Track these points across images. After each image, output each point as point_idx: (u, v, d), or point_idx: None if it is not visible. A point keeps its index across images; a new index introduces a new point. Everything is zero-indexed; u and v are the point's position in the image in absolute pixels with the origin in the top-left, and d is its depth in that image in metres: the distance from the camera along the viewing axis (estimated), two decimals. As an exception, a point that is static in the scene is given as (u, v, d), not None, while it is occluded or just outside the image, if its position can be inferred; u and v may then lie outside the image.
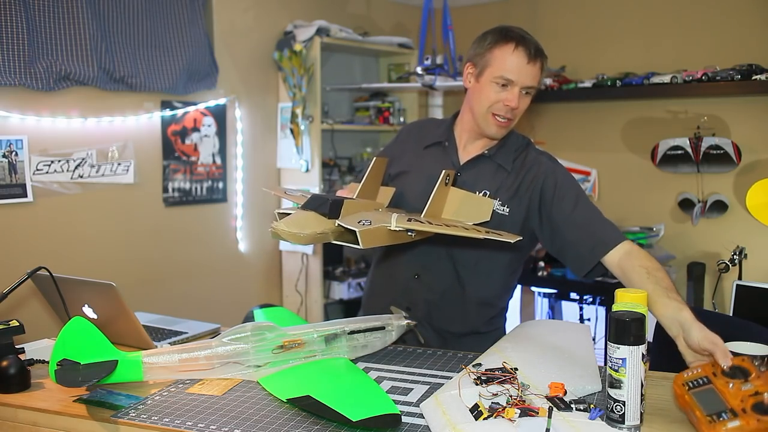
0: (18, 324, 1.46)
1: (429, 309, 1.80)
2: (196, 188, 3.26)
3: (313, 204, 1.46)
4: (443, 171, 1.59)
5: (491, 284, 1.80)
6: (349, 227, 1.40)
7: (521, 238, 1.47)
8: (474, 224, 1.56)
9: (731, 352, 1.23)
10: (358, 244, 1.39)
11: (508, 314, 1.93)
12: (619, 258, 1.59)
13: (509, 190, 1.73)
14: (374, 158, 1.69)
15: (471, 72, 1.71)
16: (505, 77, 1.63)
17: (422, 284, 1.80)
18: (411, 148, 1.87)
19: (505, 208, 1.72)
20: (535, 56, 1.63)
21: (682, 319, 1.34)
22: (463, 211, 1.62)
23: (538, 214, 1.72)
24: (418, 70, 3.46)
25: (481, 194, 1.73)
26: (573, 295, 3.45)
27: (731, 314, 2.58)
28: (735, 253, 2.86)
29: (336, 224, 1.42)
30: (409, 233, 1.47)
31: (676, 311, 1.36)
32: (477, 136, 1.77)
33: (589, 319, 3.50)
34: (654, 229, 3.54)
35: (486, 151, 1.77)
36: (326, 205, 1.44)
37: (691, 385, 1.22)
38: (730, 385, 1.16)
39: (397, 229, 1.44)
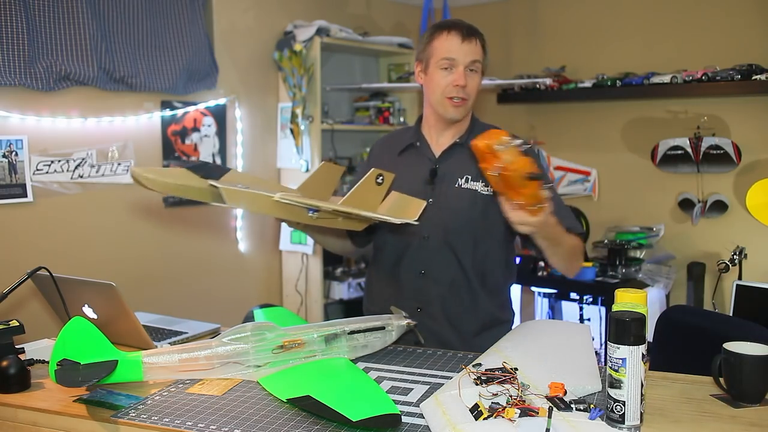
0: (18, 324, 1.46)
1: (442, 303, 1.82)
2: (196, 188, 3.26)
3: (191, 163, 1.55)
4: (372, 169, 1.63)
5: (492, 265, 1.84)
6: (214, 184, 1.47)
7: (411, 221, 1.55)
8: (401, 221, 1.57)
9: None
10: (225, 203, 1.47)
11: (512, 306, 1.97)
12: None
13: None
14: (322, 162, 1.75)
15: (420, 69, 1.84)
16: (445, 57, 1.75)
17: (429, 280, 1.82)
18: (386, 159, 1.92)
19: (488, 188, 1.78)
20: (468, 35, 1.75)
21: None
22: (392, 210, 1.66)
23: None
24: (418, 70, 3.46)
25: (463, 180, 1.80)
26: (573, 295, 3.45)
27: (731, 314, 2.58)
28: (735, 253, 2.86)
29: (208, 184, 1.49)
30: (310, 213, 1.57)
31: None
32: (444, 127, 1.85)
33: (589, 319, 3.50)
34: (654, 229, 3.54)
35: (458, 139, 1.85)
36: (203, 166, 1.52)
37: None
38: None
39: (284, 201, 1.51)
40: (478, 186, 1.79)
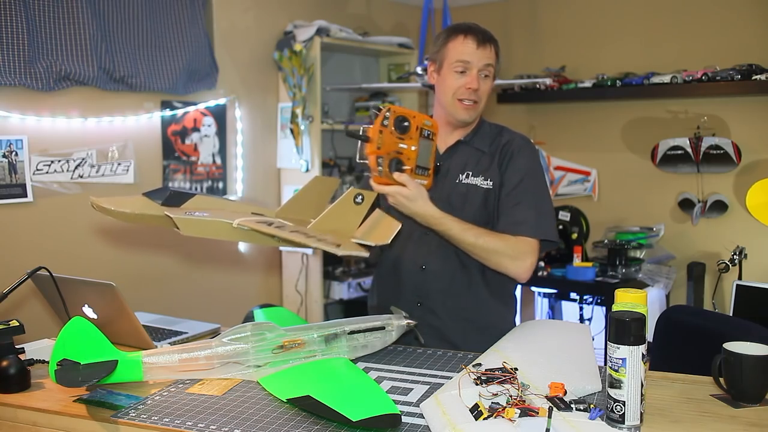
0: (18, 324, 1.46)
1: (442, 298, 1.83)
2: (196, 188, 3.26)
3: (154, 192, 1.54)
4: (350, 188, 1.61)
5: None
6: (170, 215, 1.47)
7: (377, 244, 1.55)
8: (372, 244, 1.55)
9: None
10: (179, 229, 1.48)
11: (516, 308, 1.98)
12: None
13: (490, 166, 1.84)
14: (314, 177, 1.78)
15: (433, 69, 1.86)
16: (460, 60, 1.77)
17: (429, 275, 1.84)
18: None
19: (488, 182, 1.82)
20: (484, 41, 1.78)
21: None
22: (369, 231, 1.61)
23: (500, 182, 1.83)
24: (418, 70, 3.46)
25: (464, 175, 1.83)
26: (573, 295, 3.45)
27: (731, 314, 2.58)
28: (735, 253, 2.86)
29: (164, 213, 1.49)
30: (275, 238, 1.56)
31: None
32: (452, 127, 1.87)
33: (589, 319, 3.50)
34: (654, 229, 3.54)
35: (462, 138, 1.87)
36: (163, 192, 1.53)
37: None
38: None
39: (244, 228, 1.51)
40: (478, 180, 1.82)
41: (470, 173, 1.83)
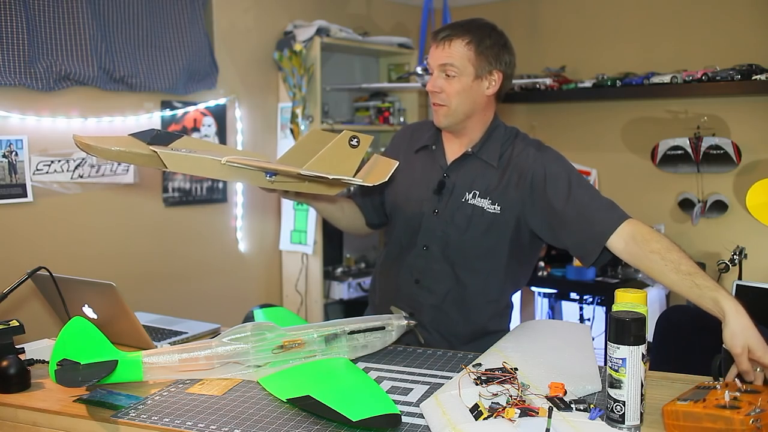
0: (18, 324, 1.46)
1: (434, 314, 1.79)
2: (196, 188, 3.26)
3: (140, 133, 1.50)
4: (344, 131, 1.52)
5: (492, 285, 1.79)
6: (156, 150, 1.43)
7: (374, 184, 1.46)
8: (370, 184, 1.51)
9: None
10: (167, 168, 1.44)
11: (512, 314, 1.93)
12: (625, 243, 1.58)
13: (498, 187, 1.73)
14: (311, 129, 1.71)
15: None
16: (428, 63, 1.74)
17: (423, 289, 1.80)
18: (403, 153, 1.88)
19: (496, 206, 1.71)
20: (442, 39, 1.69)
21: (722, 310, 1.32)
22: (366, 173, 1.56)
23: (533, 211, 1.71)
24: (418, 70, 3.46)
25: (471, 195, 1.74)
26: (573, 295, 3.45)
27: (731, 314, 2.57)
28: (735, 253, 2.86)
29: (150, 150, 1.45)
30: (267, 176, 1.51)
31: (715, 303, 1.33)
32: (451, 135, 1.80)
33: (589, 319, 3.50)
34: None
35: (470, 149, 1.77)
36: (149, 132, 1.49)
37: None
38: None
39: (232, 165, 1.46)
40: (485, 203, 1.72)
41: (477, 193, 1.73)
